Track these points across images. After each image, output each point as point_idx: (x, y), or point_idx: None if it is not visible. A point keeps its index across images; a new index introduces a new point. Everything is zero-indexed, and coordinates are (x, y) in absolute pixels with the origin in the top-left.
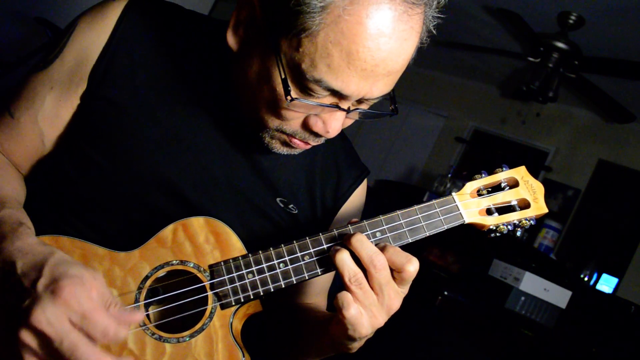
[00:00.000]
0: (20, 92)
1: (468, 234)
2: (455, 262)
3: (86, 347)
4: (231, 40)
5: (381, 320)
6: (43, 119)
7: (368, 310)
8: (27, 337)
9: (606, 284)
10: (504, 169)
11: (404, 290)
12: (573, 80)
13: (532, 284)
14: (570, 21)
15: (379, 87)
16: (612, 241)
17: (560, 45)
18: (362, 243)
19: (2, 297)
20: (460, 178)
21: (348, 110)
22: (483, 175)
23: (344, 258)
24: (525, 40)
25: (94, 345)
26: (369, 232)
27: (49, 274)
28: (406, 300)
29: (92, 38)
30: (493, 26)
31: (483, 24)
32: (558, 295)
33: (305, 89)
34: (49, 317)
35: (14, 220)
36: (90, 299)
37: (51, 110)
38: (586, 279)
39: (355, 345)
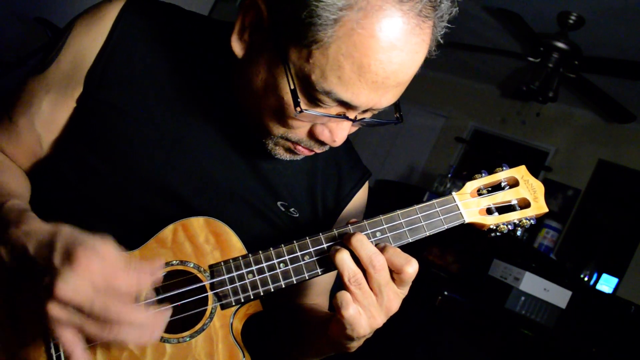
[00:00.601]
0: (18, 95)
1: (468, 234)
2: (455, 262)
3: (117, 304)
4: (236, 45)
5: (380, 320)
6: (40, 123)
7: (367, 311)
8: (56, 310)
9: (606, 284)
10: (504, 168)
11: (404, 291)
12: (573, 80)
13: (532, 284)
14: (570, 21)
15: (388, 98)
16: (612, 241)
17: (560, 45)
18: (362, 243)
19: (21, 283)
20: (460, 178)
21: (355, 120)
22: (483, 174)
23: (343, 258)
24: (525, 40)
25: (123, 301)
26: (369, 232)
27: (62, 247)
28: (406, 300)
29: (89, 40)
30: (493, 26)
31: (483, 24)
32: (558, 295)
33: (314, 100)
34: (74, 285)
35: (20, 207)
36: (106, 261)
37: (48, 114)
38: (586, 279)
39: (354, 345)
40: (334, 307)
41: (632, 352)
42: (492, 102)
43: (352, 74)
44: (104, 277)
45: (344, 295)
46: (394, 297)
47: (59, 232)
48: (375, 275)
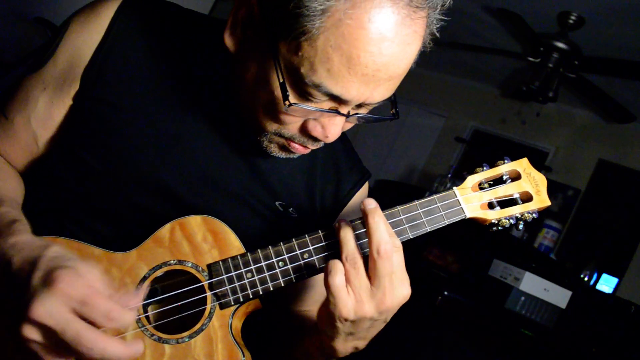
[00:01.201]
0: (14, 93)
1: (469, 230)
2: (455, 262)
3: (90, 333)
4: (228, 41)
5: (367, 309)
6: (36, 121)
7: (356, 293)
8: (29, 331)
9: (606, 284)
10: (505, 161)
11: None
12: (573, 80)
13: (532, 284)
14: (570, 21)
15: (380, 92)
16: (612, 241)
17: (560, 45)
18: (378, 226)
19: (1, 297)
20: (460, 178)
21: (348, 115)
22: (484, 168)
23: (347, 235)
24: (525, 40)
25: (98, 330)
26: None
27: (44, 267)
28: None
29: (85, 38)
30: (493, 26)
31: (483, 24)
32: (558, 295)
33: (304, 94)
34: (49, 308)
35: (9, 218)
36: (88, 287)
37: (44, 112)
38: (586, 279)
39: (340, 347)
40: (324, 274)
41: (632, 352)
42: (492, 102)
43: (341, 66)
44: (82, 300)
45: (335, 264)
46: (389, 292)
47: (46, 251)
48: (379, 261)
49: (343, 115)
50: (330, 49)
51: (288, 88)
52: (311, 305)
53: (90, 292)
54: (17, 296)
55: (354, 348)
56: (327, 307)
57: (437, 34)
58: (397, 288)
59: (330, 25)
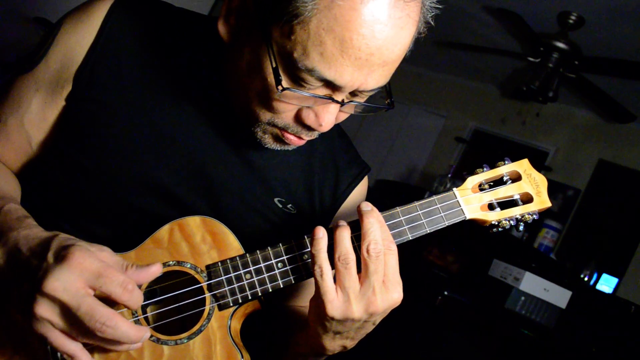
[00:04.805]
0: (6, 94)
1: (469, 231)
2: (455, 262)
3: (104, 308)
4: (222, 29)
5: (355, 310)
6: (29, 122)
7: (345, 293)
8: (43, 308)
9: (606, 284)
10: (506, 162)
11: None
12: (573, 80)
13: (532, 284)
14: (570, 21)
15: (374, 77)
16: (612, 241)
17: (560, 45)
18: (372, 226)
19: (12, 286)
20: (460, 178)
21: (342, 103)
22: (485, 169)
23: (343, 235)
24: (525, 40)
25: (110, 308)
26: None
27: (56, 246)
28: (406, 300)
29: (77, 38)
30: (493, 26)
31: (483, 24)
32: (558, 295)
33: (298, 79)
34: (64, 282)
35: (19, 213)
36: (101, 260)
37: (37, 113)
38: (586, 279)
39: (328, 345)
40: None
41: (632, 352)
42: (492, 102)
43: (334, 49)
44: (98, 273)
45: (324, 266)
46: (379, 294)
47: (57, 235)
48: (368, 261)
49: (337, 102)
50: (322, 32)
51: (281, 73)
52: (307, 302)
53: (104, 265)
54: (29, 278)
55: (342, 347)
56: (319, 307)
57: (432, 22)
58: (388, 291)
59: (323, 7)
